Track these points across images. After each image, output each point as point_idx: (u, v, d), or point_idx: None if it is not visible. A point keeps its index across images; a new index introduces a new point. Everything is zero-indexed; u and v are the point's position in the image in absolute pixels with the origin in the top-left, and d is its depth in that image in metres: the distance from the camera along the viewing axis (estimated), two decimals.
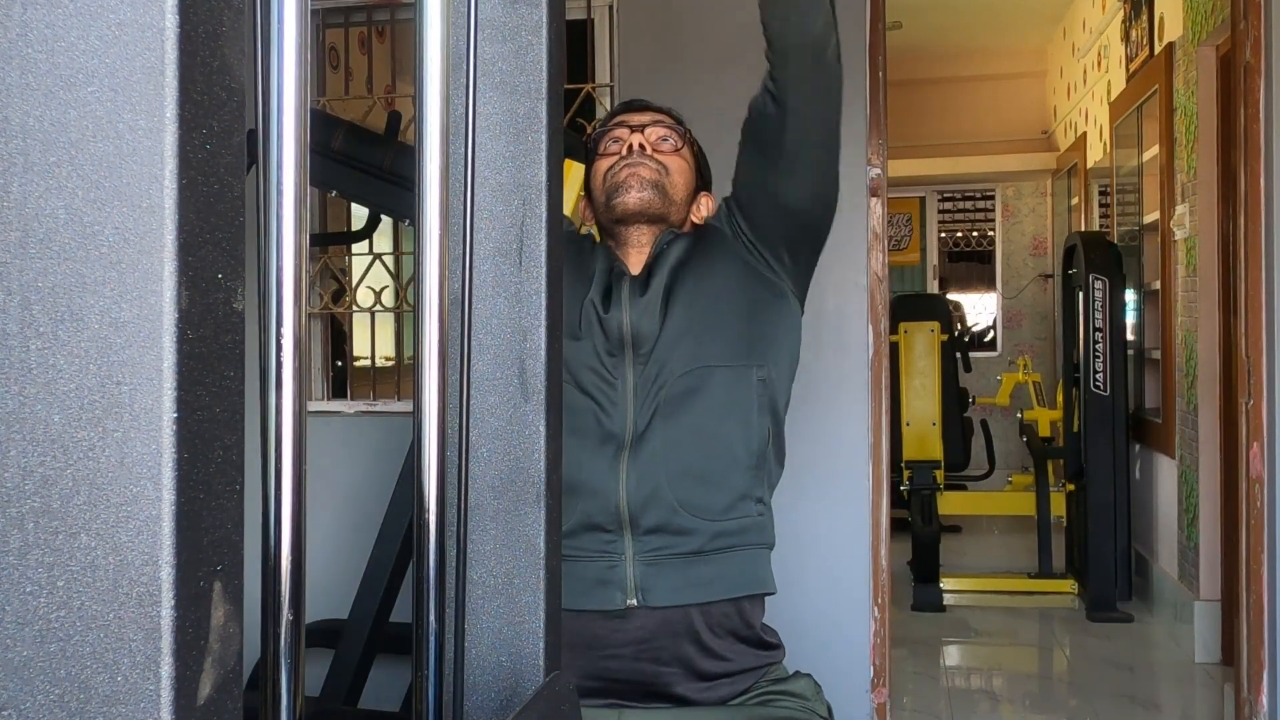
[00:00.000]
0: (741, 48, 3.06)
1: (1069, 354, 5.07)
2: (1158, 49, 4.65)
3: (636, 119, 1.70)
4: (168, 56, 0.44)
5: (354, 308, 3.29)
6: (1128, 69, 5.20)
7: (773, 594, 1.61)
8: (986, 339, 8.40)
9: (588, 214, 1.75)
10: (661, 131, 1.69)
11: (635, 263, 1.66)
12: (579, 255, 1.68)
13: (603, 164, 1.68)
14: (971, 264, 8.69)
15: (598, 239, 1.74)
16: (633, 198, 1.62)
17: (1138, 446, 4.95)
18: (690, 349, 1.57)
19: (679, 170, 1.68)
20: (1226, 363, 3.86)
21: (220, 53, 0.46)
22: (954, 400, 5.40)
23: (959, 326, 6.84)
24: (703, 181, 1.75)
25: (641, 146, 1.65)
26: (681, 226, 1.70)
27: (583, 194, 1.78)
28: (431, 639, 0.74)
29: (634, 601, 1.52)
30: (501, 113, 0.84)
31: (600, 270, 1.64)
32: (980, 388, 7.09)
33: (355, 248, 3.32)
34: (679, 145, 1.69)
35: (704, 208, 1.74)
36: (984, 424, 6.42)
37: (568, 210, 2.00)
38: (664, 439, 1.54)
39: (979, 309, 8.64)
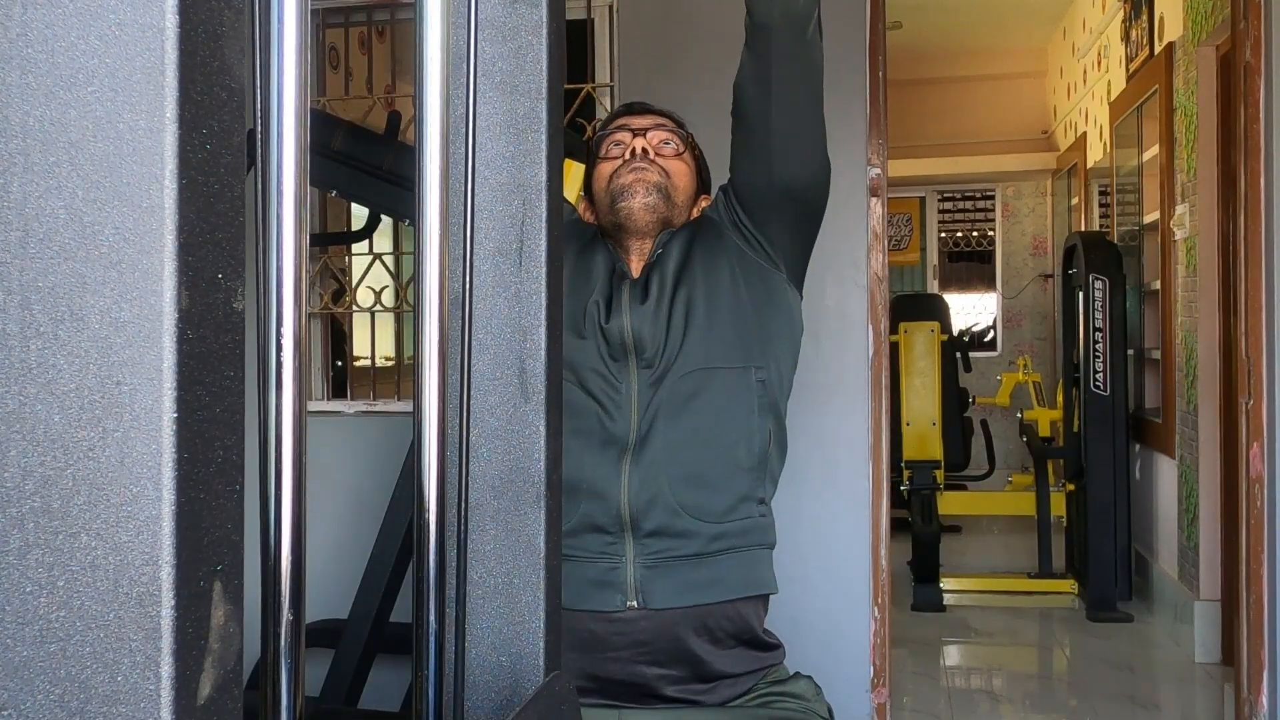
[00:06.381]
0: (740, 47, 3.06)
1: (1069, 354, 5.07)
2: (1158, 49, 4.65)
3: (638, 122, 1.70)
4: (168, 56, 0.44)
5: (354, 308, 3.29)
6: (1128, 69, 5.20)
7: (774, 594, 1.61)
8: (986, 339, 8.40)
9: (588, 215, 1.75)
10: (663, 135, 1.69)
11: (635, 264, 1.67)
12: (582, 249, 1.68)
13: (605, 167, 1.68)
14: (971, 264, 8.69)
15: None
16: (638, 202, 1.62)
17: (1138, 446, 4.95)
18: (691, 352, 1.57)
19: (681, 174, 1.68)
20: (1226, 363, 3.86)
21: (220, 53, 0.46)
22: (954, 400, 5.40)
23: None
24: (703, 184, 1.75)
25: (644, 151, 1.65)
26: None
27: (582, 194, 1.78)
28: (431, 639, 0.74)
29: (634, 604, 1.52)
30: (501, 113, 0.84)
31: (602, 272, 1.64)
32: (980, 388, 7.09)
33: (355, 248, 3.32)
34: (680, 149, 1.69)
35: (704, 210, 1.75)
36: (984, 424, 6.42)
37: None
38: (665, 442, 1.54)
39: (972, 310, 8.63)
